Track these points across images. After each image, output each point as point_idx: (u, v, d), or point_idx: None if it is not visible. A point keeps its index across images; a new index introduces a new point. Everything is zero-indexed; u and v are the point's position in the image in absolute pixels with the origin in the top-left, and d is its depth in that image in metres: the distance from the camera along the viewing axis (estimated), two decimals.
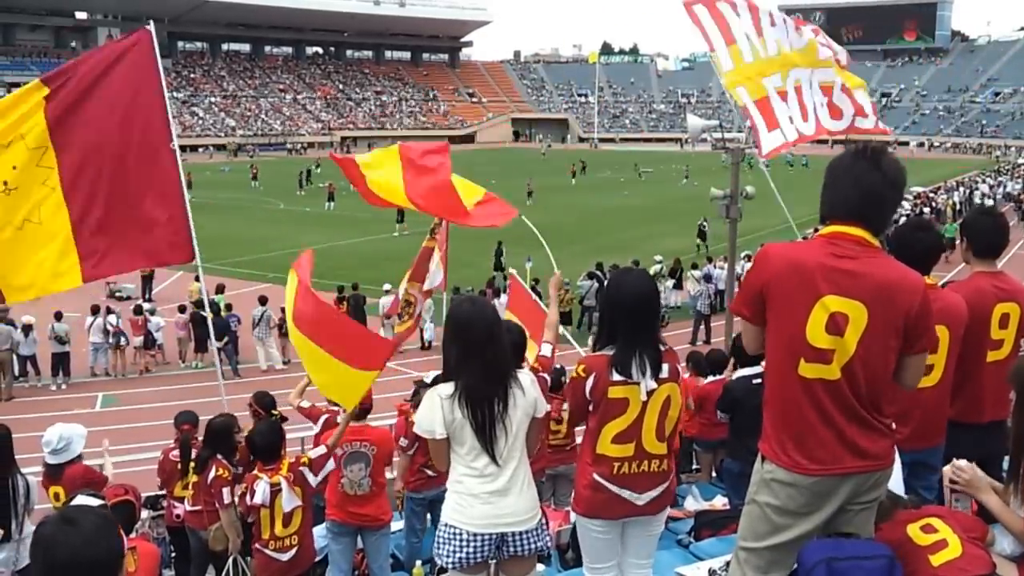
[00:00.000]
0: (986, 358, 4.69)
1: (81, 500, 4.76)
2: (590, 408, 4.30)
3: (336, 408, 8.12)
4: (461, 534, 4.14)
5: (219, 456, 7.10)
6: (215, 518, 7.02)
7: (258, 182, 59.01)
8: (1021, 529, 3.77)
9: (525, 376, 4.26)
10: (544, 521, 4.40)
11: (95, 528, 2.63)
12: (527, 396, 4.19)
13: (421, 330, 21.43)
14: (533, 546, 4.24)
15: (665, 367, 4.30)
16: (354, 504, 6.92)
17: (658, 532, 4.63)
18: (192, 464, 7.51)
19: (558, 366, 7.81)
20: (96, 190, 7.78)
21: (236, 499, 6.72)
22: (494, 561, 4.28)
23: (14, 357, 19.52)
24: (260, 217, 44.80)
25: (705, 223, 32.93)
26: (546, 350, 5.25)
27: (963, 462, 3.98)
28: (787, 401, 3.46)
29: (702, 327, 23.48)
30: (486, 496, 4.12)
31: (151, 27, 8.13)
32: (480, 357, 4.09)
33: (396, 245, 35.58)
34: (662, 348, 4.35)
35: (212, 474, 6.96)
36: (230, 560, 6.71)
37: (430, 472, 7.64)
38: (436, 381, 4.37)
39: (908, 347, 3.45)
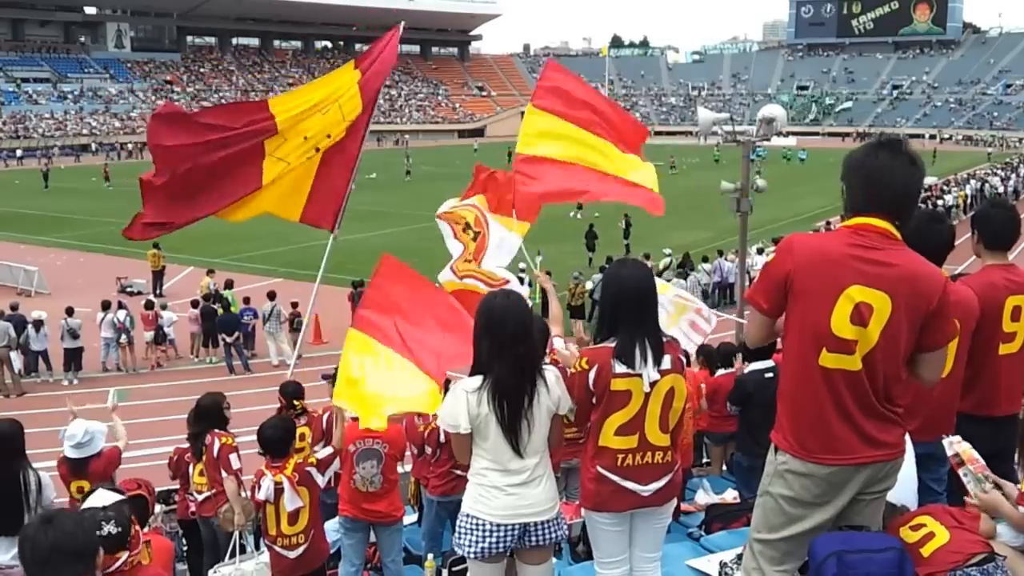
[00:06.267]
0: (998, 351, 4.67)
1: (100, 494, 4.80)
2: (593, 401, 4.29)
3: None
4: (484, 525, 4.17)
5: (216, 430, 7.32)
6: (226, 498, 7.09)
7: None
8: None
9: (551, 372, 4.26)
10: (561, 512, 4.41)
11: (72, 524, 3.14)
12: (551, 393, 4.20)
13: None
14: (553, 536, 4.28)
15: (667, 358, 4.29)
16: (366, 500, 6.94)
17: (665, 524, 4.62)
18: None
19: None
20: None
21: (242, 465, 6.96)
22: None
23: (12, 355, 19.54)
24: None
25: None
26: (557, 343, 5.25)
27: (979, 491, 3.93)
28: (805, 392, 3.46)
29: None
30: (509, 488, 4.15)
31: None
32: (512, 352, 4.10)
33: (404, 240, 35.58)
34: (664, 339, 4.35)
35: (218, 444, 7.17)
36: (236, 534, 6.74)
37: (459, 471, 7.36)
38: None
39: (927, 341, 3.46)
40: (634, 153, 7.69)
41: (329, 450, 6.41)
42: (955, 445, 3.95)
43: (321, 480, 6.29)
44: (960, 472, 3.89)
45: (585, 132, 7.57)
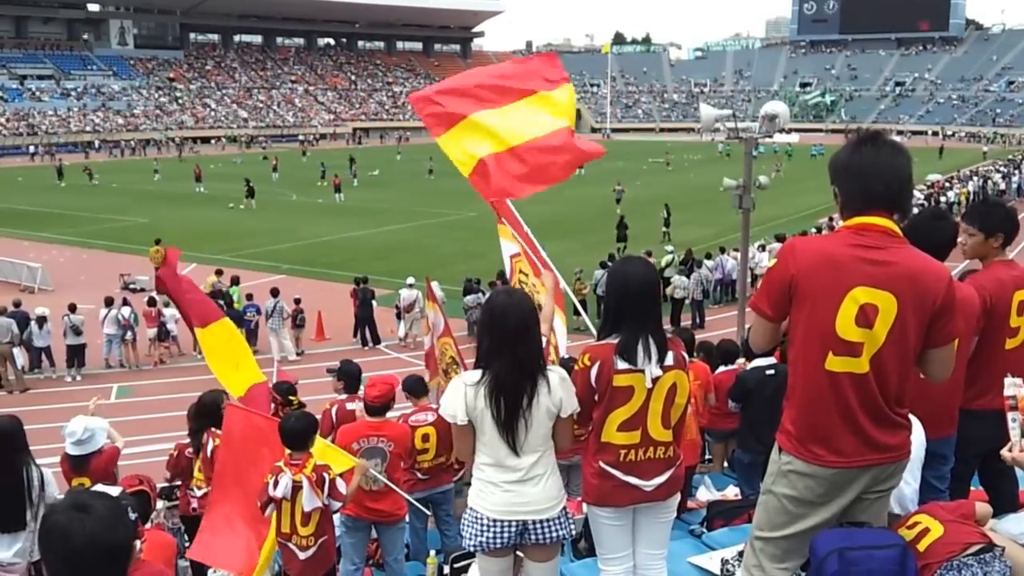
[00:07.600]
0: (1004, 346, 4.70)
1: (100, 489, 4.79)
2: (595, 398, 4.29)
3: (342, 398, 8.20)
4: (482, 519, 4.19)
5: (213, 428, 7.27)
6: None
7: (278, 174, 58.78)
8: None
9: (555, 375, 4.23)
10: (567, 510, 4.40)
11: (109, 513, 2.64)
12: (552, 395, 4.17)
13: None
14: (555, 534, 4.26)
15: (670, 355, 4.30)
16: (370, 499, 6.90)
17: (669, 519, 4.61)
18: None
19: (565, 356, 7.79)
20: None
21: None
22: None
23: (15, 351, 19.54)
24: (274, 209, 44.80)
25: None
26: None
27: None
28: (811, 396, 3.45)
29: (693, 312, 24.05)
30: (506, 485, 4.16)
31: None
32: (512, 349, 4.10)
33: (407, 237, 35.62)
34: (667, 335, 4.35)
35: (212, 444, 7.16)
36: None
37: (420, 475, 7.63)
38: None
39: (934, 338, 3.44)
40: (545, 88, 6.59)
41: (345, 491, 6.26)
42: (1019, 387, 3.81)
43: (322, 497, 6.13)
44: (1009, 416, 3.77)
45: (479, 116, 6.55)
